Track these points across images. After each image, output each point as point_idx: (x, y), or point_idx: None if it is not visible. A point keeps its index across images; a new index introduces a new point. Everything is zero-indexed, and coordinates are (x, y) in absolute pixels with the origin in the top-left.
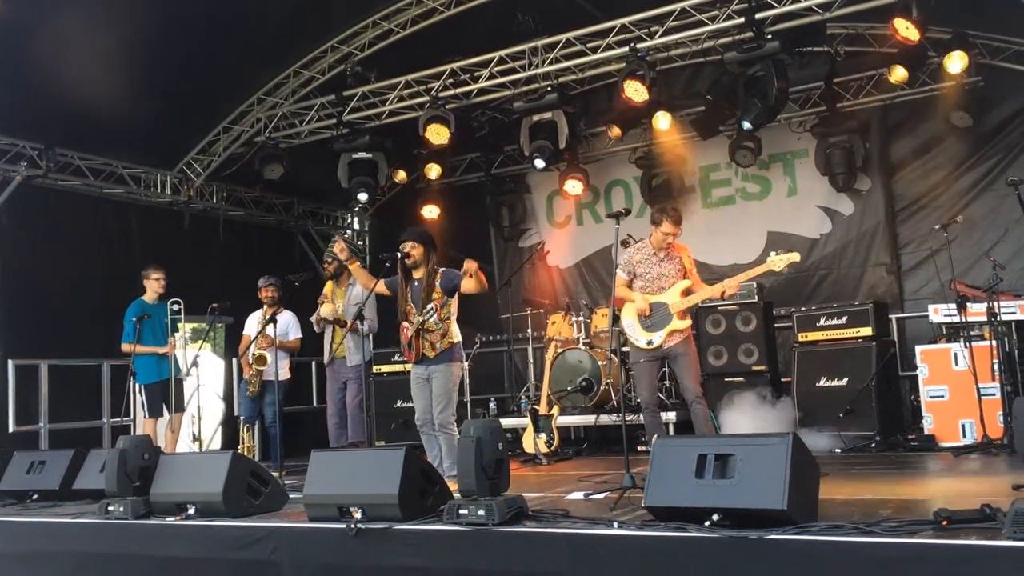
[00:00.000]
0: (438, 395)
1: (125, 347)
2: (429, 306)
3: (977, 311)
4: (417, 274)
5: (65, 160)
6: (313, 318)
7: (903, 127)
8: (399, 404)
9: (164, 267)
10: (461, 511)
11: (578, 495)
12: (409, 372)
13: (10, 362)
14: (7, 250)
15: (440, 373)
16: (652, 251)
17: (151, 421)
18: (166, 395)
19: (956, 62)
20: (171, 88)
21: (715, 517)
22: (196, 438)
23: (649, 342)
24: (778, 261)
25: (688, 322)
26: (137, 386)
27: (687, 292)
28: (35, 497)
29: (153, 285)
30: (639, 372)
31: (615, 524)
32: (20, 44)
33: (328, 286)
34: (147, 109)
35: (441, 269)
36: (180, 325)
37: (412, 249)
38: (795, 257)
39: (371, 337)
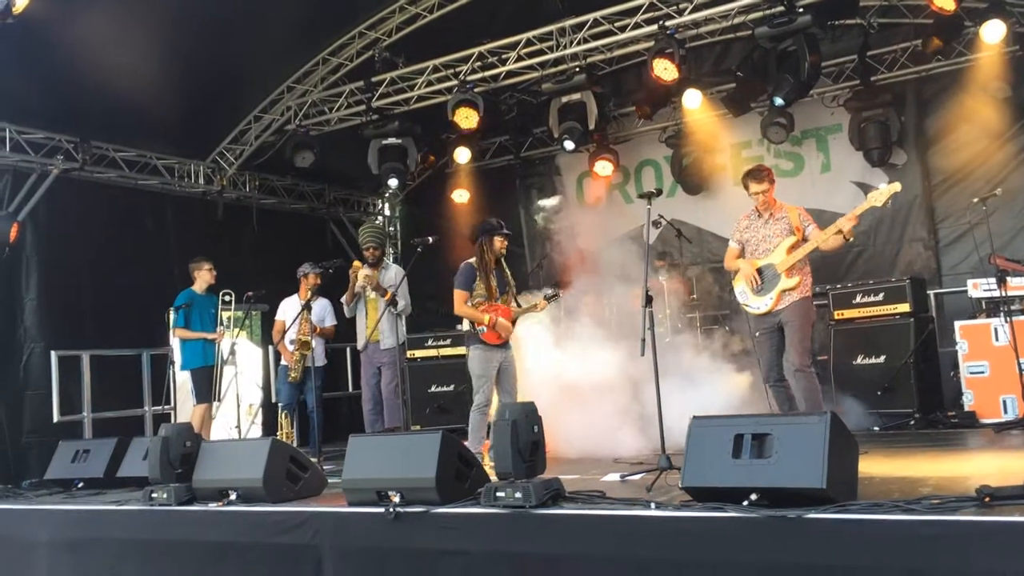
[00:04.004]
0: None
1: (177, 332)
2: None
3: (1017, 285)
4: (497, 264)
5: (100, 152)
6: (344, 298)
7: (939, 99)
8: (433, 389)
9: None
10: (498, 494)
11: (614, 476)
12: (442, 357)
13: (52, 353)
14: (45, 243)
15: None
16: (757, 215)
17: (201, 407)
18: (212, 381)
19: (993, 31)
20: (202, 78)
21: (753, 496)
22: (247, 423)
23: (760, 307)
24: (879, 196)
25: (796, 280)
26: (181, 373)
27: (795, 248)
28: (80, 485)
29: (205, 276)
30: (757, 346)
31: (652, 505)
32: (54, 39)
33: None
34: (179, 100)
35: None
36: (226, 315)
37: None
38: (896, 188)
39: (404, 319)
